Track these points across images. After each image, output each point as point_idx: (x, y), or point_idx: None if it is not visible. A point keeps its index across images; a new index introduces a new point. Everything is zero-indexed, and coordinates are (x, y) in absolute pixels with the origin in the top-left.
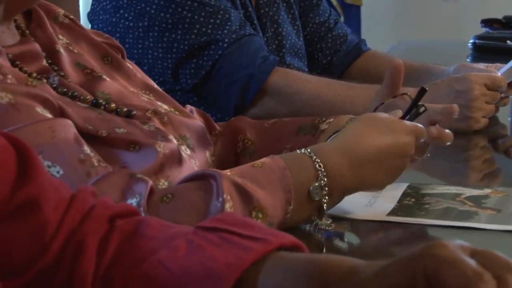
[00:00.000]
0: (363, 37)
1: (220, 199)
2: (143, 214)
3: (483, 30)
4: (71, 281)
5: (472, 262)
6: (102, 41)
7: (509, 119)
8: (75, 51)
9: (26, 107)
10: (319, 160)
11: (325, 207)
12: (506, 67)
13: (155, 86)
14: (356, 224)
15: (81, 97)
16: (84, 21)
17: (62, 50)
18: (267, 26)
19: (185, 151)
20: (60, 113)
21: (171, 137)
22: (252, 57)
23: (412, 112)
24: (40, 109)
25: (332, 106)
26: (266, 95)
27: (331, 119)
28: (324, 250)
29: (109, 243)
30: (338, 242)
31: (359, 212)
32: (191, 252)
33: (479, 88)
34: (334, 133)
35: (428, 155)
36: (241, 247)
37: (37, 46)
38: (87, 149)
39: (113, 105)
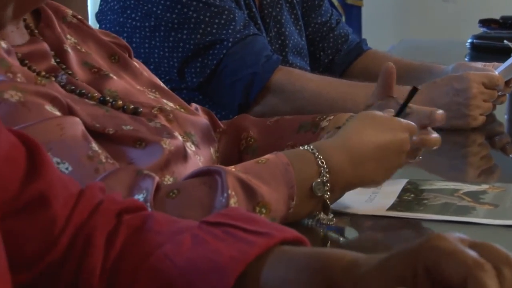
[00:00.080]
0: (363, 37)
1: (225, 194)
2: (149, 209)
3: (481, 30)
4: (80, 274)
5: (472, 252)
6: (109, 40)
7: (505, 116)
8: (83, 50)
9: (36, 105)
10: (321, 157)
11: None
12: (503, 66)
13: (161, 84)
14: (356, 219)
15: (89, 95)
16: (92, 21)
17: (70, 50)
18: (271, 26)
19: (190, 148)
20: (68, 110)
21: (176, 134)
22: (256, 56)
23: (403, 111)
24: (49, 107)
25: (334, 104)
26: (269, 93)
27: (331, 117)
28: (327, 244)
29: (117, 237)
30: (338, 237)
31: (359, 207)
32: (196, 246)
33: (477, 87)
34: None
35: (420, 157)
36: (245, 241)
37: (45, 46)
38: (95, 146)
39: (120, 102)
